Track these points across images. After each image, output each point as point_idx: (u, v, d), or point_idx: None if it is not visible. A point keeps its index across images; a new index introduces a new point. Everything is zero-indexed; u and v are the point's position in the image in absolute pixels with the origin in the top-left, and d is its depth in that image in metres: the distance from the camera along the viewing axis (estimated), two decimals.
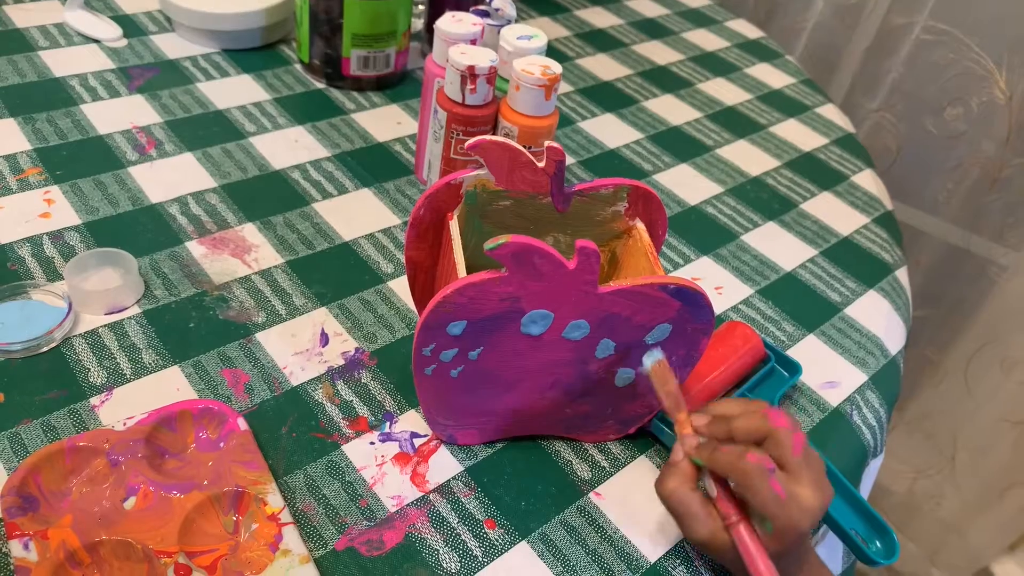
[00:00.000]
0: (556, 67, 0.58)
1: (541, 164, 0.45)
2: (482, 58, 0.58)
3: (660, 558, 0.46)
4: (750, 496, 0.39)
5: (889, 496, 1.38)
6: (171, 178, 0.65)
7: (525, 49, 0.61)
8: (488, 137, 0.44)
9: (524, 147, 0.45)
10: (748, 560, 0.40)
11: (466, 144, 0.44)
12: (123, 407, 0.48)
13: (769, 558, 0.39)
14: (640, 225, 0.49)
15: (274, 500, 0.43)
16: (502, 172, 0.45)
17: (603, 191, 0.47)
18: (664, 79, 0.96)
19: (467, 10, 0.67)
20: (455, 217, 0.47)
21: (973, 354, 1.24)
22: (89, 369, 0.49)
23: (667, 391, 0.43)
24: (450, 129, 0.60)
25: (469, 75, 0.57)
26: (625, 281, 0.42)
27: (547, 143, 0.45)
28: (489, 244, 0.38)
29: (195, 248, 0.59)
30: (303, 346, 0.54)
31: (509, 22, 0.68)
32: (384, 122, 0.78)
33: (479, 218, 0.48)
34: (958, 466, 1.30)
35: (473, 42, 0.61)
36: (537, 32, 0.62)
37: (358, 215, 0.65)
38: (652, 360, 0.44)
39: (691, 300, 0.43)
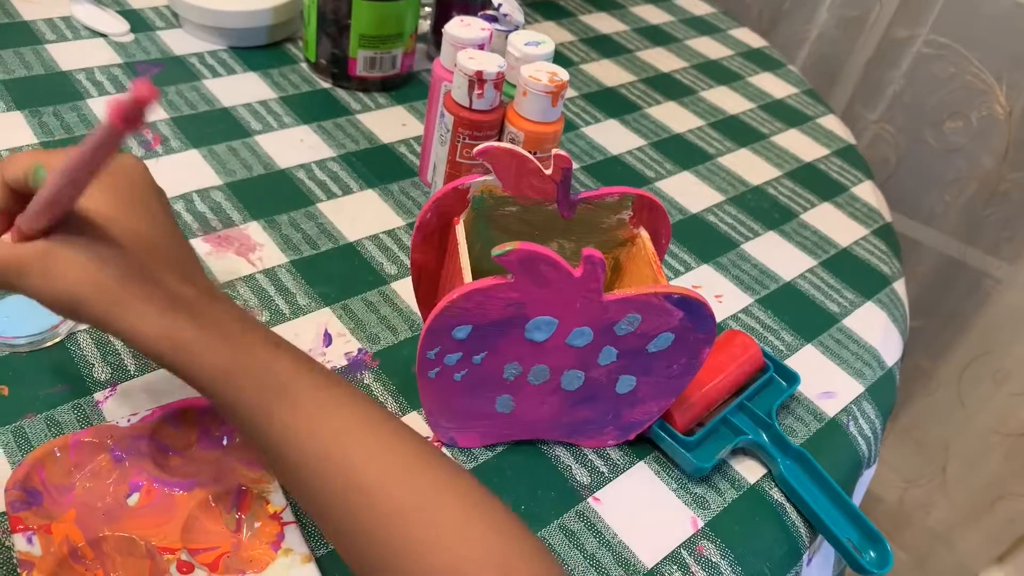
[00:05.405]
0: (563, 74, 0.58)
1: (548, 171, 0.46)
2: (490, 63, 0.58)
3: (657, 563, 0.46)
4: None
5: (880, 505, 1.39)
6: (176, 175, 0.65)
7: (533, 55, 0.61)
8: (496, 144, 0.44)
9: (529, 152, 0.46)
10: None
11: (475, 150, 0.44)
12: (127, 403, 0.48)
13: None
14: (644, 234, 0.49)
15: (276, 499, 0.44)
16: (509, 178, 0.46)
17: (608, 199, 0.48)
18: (667, 86, 0.96)
19: (474, 13, 0.67)
20: (461, 221, 0.47)
21: (966, 365, 1.25)
22: (93, 365, 0.50)
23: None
24: (456, 133, 0.61)
25: (477, 80, 0.58)
26: (630, 290, 0.42)
27: (554, 151, 0.45)
28: (497, 250, 0.39)
29: (200, 246, 0.59)
30: (306, 346, 0.54)
31: (517, 27, 0.68)
32: (389, 123, 0.78)
33: (485, 223, 0.48)
34: (949, 476, 1.31)
35: (481, 47, 0.62)
36: (545, 38, 0.63)
37: (362, 216, 0.66)
38: None
39: (694, 310, 0.43)
